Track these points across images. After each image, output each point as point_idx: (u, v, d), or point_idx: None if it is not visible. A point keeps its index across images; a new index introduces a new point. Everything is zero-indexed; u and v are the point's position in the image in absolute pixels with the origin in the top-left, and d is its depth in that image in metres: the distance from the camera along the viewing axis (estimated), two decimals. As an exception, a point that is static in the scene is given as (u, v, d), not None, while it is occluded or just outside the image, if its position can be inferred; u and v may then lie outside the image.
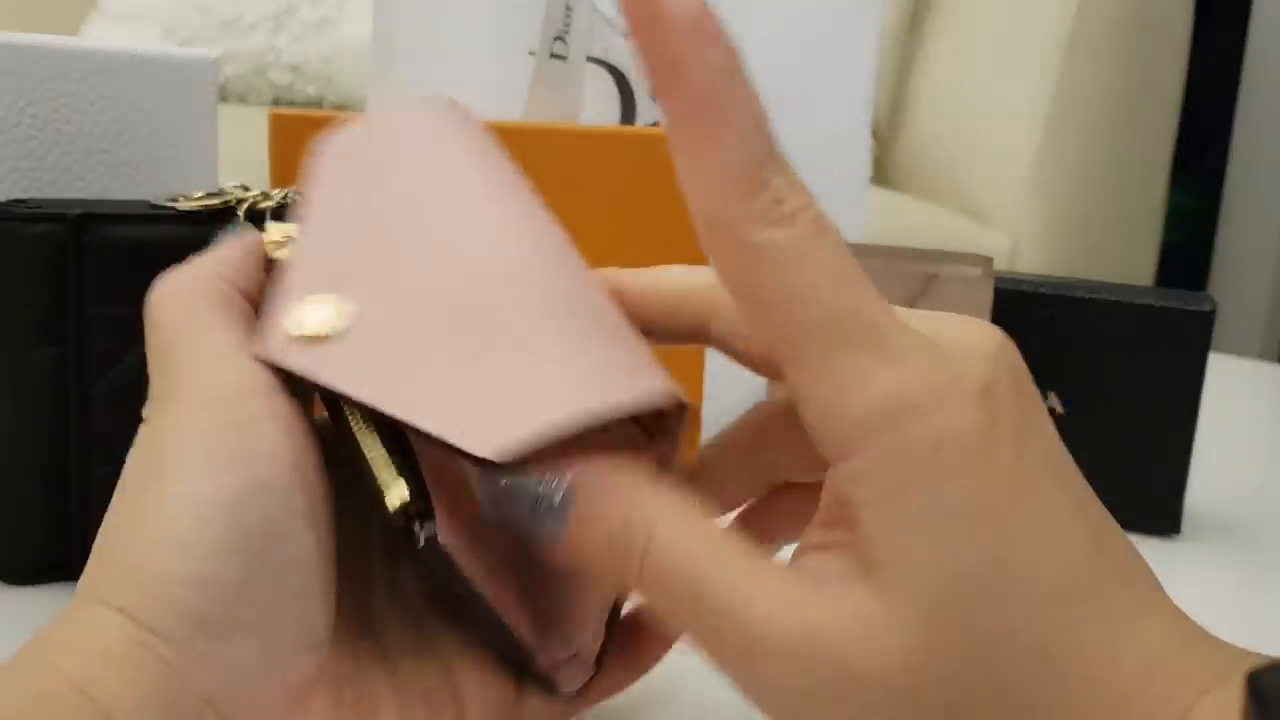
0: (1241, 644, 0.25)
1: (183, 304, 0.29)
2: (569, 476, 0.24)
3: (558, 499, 0.24)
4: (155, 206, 0.42)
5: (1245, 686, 0.19)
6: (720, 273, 0.25)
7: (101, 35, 1.75)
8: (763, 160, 0.24)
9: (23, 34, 0.44)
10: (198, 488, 0.25)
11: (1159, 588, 0.26)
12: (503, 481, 0.24)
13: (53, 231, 0.40)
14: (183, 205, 0.42)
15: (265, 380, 0.27)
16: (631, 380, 0.26)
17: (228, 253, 0.31)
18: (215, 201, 0.42)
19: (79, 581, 0.26)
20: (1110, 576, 0.25)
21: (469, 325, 0.27)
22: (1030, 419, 0.25)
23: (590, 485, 0.24)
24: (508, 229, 0.30)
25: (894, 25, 1.45)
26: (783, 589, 0.24)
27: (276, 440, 0.26)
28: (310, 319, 0.28)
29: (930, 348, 0.24)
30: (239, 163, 0.62)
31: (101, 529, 0.27)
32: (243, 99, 1.66)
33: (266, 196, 0.42)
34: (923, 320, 0.26)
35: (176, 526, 0.25)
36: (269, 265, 0.32)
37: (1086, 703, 0.24)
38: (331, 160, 0.33)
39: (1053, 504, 0.24)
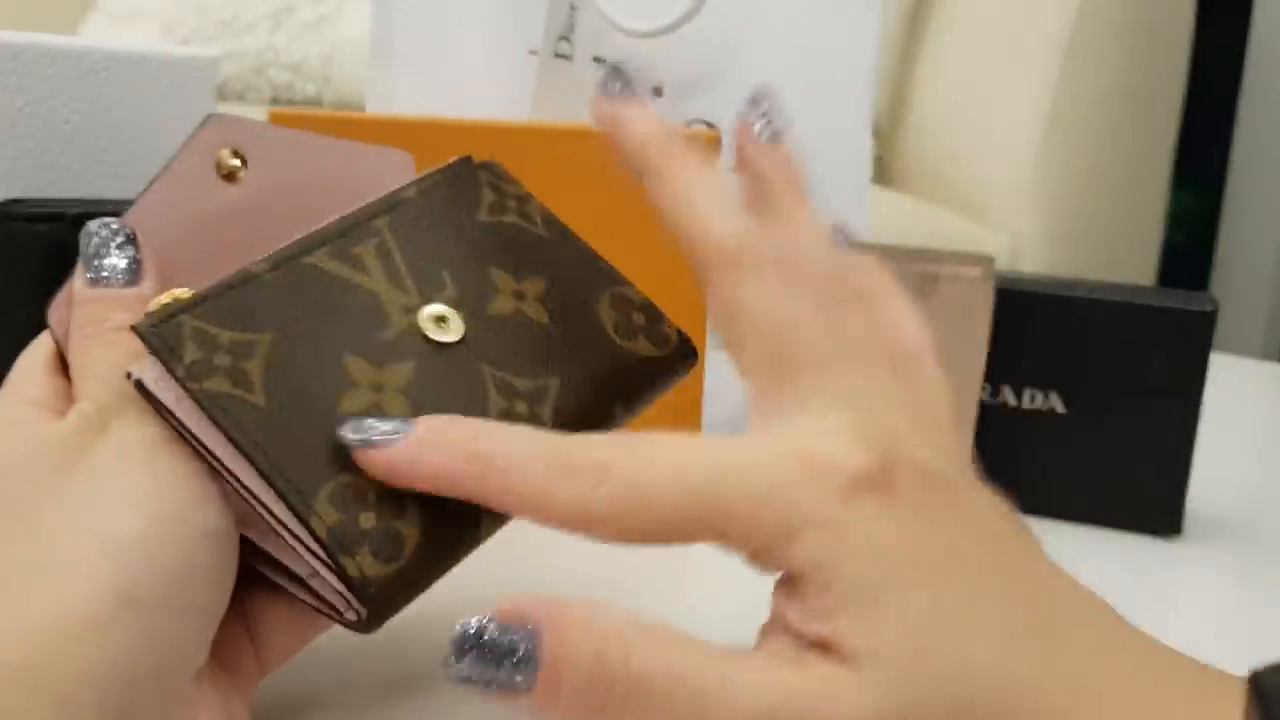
0: (1243, 644, 0.25)
1: None
2: (536, 624, 0.25)
3: (531, 648, 0.25)
4: (154, 206, 0.42)
5: (1248, 686, 0.20)
6: None
7: (100, 34, 1.75)
8: None
9: (21, 33, 0.43)
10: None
11: (1122, 620, 0.26)
12: (471, 651, 0.25)
13: (51, 230, 0.40)
14: (181, 204, 0.41)
15: None
16: None
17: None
18: (214, 201, 0.42)
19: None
20: (1068, 614, 0.26)
21: None
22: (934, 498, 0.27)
23: (558, 624, 0.25)
24: None
25: (894, 25, 1.45)
26: (756, 665, 0.25)
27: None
28: None
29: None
30: (238, 162, 0.62)
31: None
32: (241, 98, 1.65)
33: (265, 196, 0.42)
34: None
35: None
36: None
37: None
38: None
39: (980, 560, 0.26)
